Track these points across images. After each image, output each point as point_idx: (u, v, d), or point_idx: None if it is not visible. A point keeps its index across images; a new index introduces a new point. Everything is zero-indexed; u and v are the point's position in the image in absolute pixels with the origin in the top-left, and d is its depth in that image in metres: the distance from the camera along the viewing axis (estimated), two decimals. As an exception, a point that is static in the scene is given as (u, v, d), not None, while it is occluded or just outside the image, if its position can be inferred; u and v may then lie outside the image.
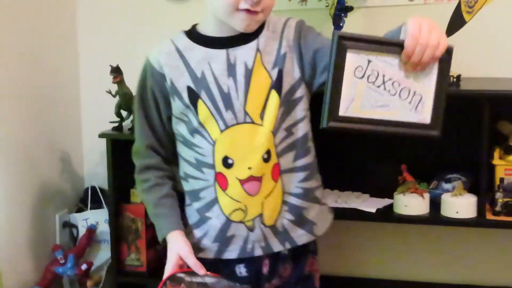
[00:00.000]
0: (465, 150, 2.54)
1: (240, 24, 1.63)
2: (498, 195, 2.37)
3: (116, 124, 2.67)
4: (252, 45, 1.68)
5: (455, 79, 2.43)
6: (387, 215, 2.47)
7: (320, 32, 1.76)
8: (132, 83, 2.64)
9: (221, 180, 1.70)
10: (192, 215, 1.79)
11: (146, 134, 1.78)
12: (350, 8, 2.59)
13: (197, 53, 1.70)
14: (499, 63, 2.67)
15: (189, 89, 1.68)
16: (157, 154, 1.80)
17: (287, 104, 1.69)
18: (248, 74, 1.67)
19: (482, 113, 2.30)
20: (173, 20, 3.02)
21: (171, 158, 1.82)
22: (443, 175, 2.56)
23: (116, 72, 2.62)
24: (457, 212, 2.39)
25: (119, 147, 2.61)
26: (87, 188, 3.12)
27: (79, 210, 3.08)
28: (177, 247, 1.72)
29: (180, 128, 1.74)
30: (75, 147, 3.18)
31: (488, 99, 2.30)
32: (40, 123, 2.93)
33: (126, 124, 2.68)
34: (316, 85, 1.74)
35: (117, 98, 2.66)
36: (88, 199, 3.07)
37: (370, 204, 2.52)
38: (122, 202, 2.71)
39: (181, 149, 1.77)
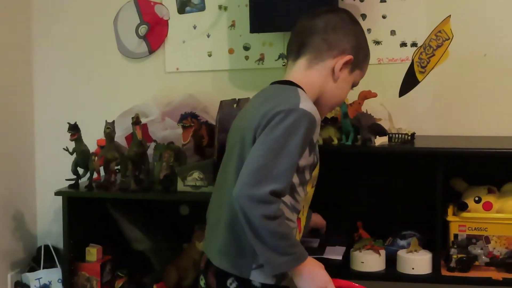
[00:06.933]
0: (419, 207, 2.58)
1: None
2: (453, 251, 2.39)
3: (73, 182, 2.64)
4: None
5: (409, 137, 2.48)
6: (343, 271, 2.47)
7: None
8: (89, 141, 2.67)
9: None
10: None
11: None
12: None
13: None
14: (452, 121, 2.74)
15: None
16: None
17: None
18: None
19: (436, 170, 2.34)
20: (129, 78, 3.05)
21: None
22: (398, 232, 2.58)
23: (74, 129, 2.60)
24: (413, 268, 2.40)
25: (75, 205, 2.59)
26: (40, 247, 3.07)
27: (32, 269, 3.02)
28: None
29: None
30: (28, 205, 3.14)
31: (441, 156, 2.34)
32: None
33: (83, 181, 2.65)
34: None
35: (74, 155, 2.64)
36: (41, 258, 3.02)
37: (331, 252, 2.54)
38: (77, 261, 2.67)
39: None
